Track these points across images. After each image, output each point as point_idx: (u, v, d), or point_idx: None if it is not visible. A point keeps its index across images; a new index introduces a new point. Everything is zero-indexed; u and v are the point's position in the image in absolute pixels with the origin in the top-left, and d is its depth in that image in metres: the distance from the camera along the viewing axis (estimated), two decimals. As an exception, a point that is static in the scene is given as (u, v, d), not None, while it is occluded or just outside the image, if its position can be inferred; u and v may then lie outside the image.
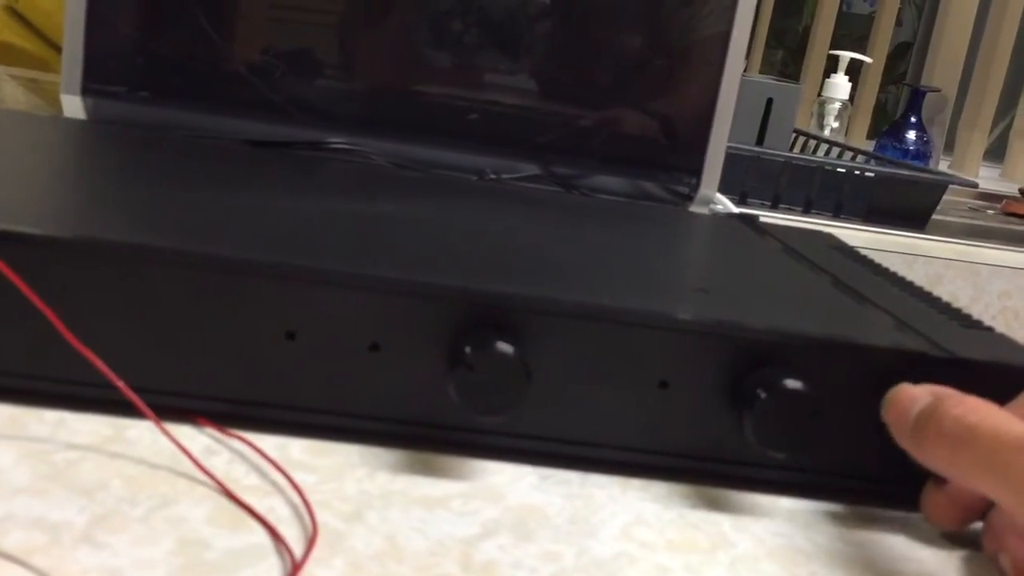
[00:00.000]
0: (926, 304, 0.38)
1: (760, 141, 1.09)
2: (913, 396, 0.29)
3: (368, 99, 0.62)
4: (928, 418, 0.27)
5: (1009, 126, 1.68)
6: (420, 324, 0.30)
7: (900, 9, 2.12)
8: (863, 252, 0.50)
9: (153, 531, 0.24)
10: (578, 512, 0.29)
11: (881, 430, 0.31)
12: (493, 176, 0.58)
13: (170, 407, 0.29)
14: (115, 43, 0.59)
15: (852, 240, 0.89)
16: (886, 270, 0.45)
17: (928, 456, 0.28)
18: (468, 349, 0.29)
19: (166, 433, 0.27)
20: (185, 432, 0.29)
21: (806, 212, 0.97)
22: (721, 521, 0.30)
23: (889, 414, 0.29)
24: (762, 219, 0.56)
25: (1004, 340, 0.34)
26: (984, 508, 0.30)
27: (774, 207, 0.96)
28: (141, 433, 0.29)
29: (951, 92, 1.60)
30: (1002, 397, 0.31)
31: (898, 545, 0.30)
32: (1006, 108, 1.73)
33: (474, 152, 0.59)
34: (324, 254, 0.32)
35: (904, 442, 0.28)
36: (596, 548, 0.27)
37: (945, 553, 0.30)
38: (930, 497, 0.31)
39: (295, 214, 0.39)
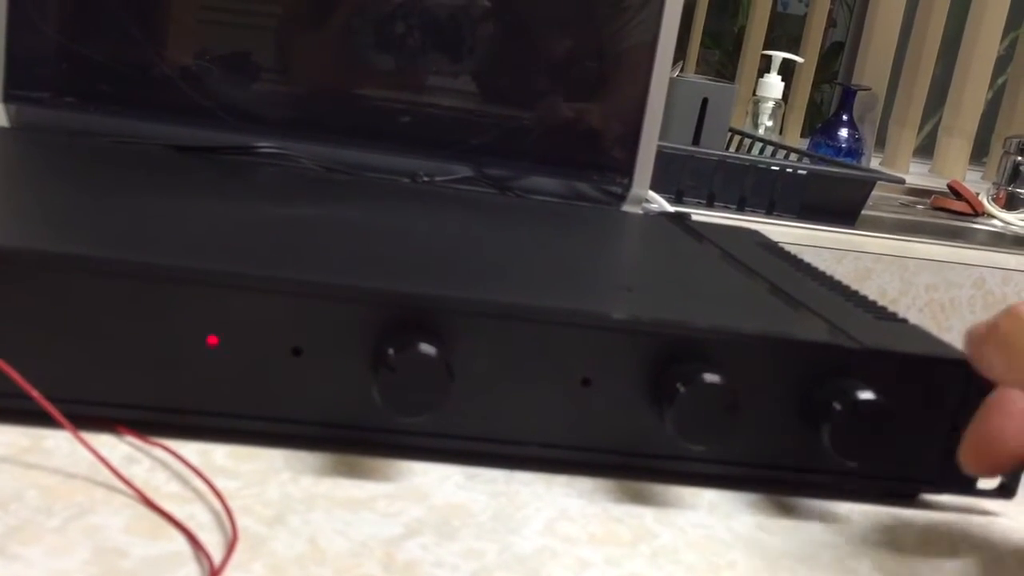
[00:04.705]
0: (842, 297, 0.39)
1: (696, 140, 1.11)
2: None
3: (299, 103, 0.62)
4: (997, 324, 0.28)
5: (938, 123, 1.73)
6: (342, 327, 0.30)
7: (833, 10, 2.16)
8: (795, 248, 0.51)
9: (68, 541, 0.24)
10: (502, 509, 0.29)
11: (799, 420, 0.32)
12: (426, 178, 0.58)
13: (90, 416, 0.29)
14: (38, 47, 0.58)
15: (785, 237, 0.91)
16: (809, 266, 0.46)
17: (986, 355, 0.29)
18: (390, 351, 0.29)
19: (83, 442, 0.27)
20: (105, 441, 0.29)
21: (740, 210, 0.99)
22: (644, 514, 0.30)
23: (975, 328, 0.30)
24: (696, 217, 0.57)
25: (915, 331, 0.35)
26: (1014, 464, 0.30)
27: (709, 205, 0.98)
28: (59, 443, 0.28)
29: (881, 90, 1.63)
30: (911, 385, 0.32)
31: (815, 532, 0.31)
32: (935, 106, 1.78)
33: (406, 154, 0.59)
34: (245, 259, 0.32)
35: (970, 347, 0.30)
36: (519, 544, 0.27)
37: (859, 540, 0.31)
38: (965, 444, 0.30)
39: (218, 219, 0.38)
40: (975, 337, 0.29)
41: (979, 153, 1.76)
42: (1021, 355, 0.28)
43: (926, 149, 1.79)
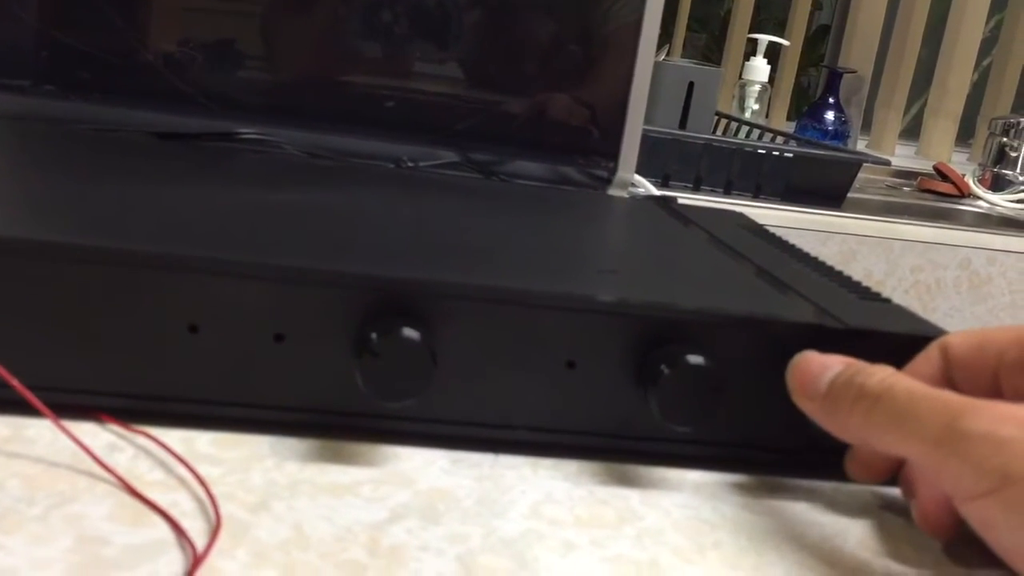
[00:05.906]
0: (826, 278, 0.39)
1: (683, 124, 1.11)
2: (824, 363, 0.29)
3: (282, 89, 0.61)
4: (845, 385, 0.28)
5: (924, 106, 1.73)
6: (324, 312, 0.29)
7: (818, -8, 2.16)
8: (782, 231, 0.51)
9: (50, 530, 0.24)
10: (488, 493, 0.29)
11: (783, 401, 0.32)
12: (410, 164, 0.58)
13: (72, 405, 0.29)
14: (17, 35, 0.57)
15: (771, 219, 0.91)
16: (795, 248, 0.46)
17: (840, 421, 0.28)
18: (373, 336, 0.29)
19: (65, 431, 0.27)
20: (87, 429, 0.29)
21: (727, 193, 0.99)
22: (629, 496, 0.30)
23: (795, 379, 0.30)
24: (683, 201, 0.57)
25: (898, 311, 0.35)
26: (897, 466, 0.32)
27: (696, 189, 0.98)
28: (41, 432, 0.28)
29: (867, 73, 1.64)
30: (895, 364, 0.32)
31: (800, 512, 0.31)
32: (921, 88, 1.78)
33: (391, 140, 0.59)
34: (227, 245, 0.32)
35: (810, 406, 0.29)
36: (504, 527, 0.27)
37: (844, 519, 0.31)
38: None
39: (200, 206, 0.38)
40: (832, 395, 0.29)
41: (965, 135, 1.77)
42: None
43: (912, 131, 1.80)
